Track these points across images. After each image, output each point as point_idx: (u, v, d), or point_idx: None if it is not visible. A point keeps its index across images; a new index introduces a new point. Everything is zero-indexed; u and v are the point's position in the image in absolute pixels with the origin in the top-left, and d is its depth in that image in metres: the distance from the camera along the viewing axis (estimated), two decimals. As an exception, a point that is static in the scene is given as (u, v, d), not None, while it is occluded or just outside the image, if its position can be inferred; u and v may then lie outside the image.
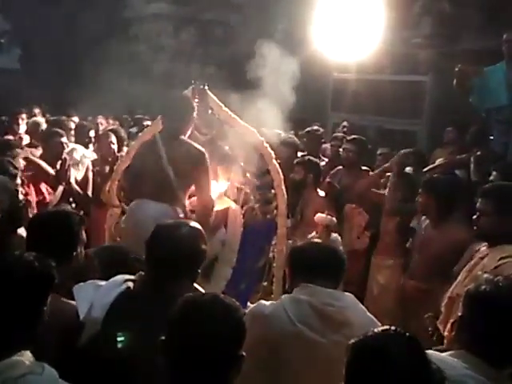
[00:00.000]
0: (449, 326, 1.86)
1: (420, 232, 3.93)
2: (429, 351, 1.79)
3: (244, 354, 1.54)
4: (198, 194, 3.49)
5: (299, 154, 5.19)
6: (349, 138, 5.20)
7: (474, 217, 2.79)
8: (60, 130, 4.86)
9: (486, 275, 1.87)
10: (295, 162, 4.65)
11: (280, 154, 4.89)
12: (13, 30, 12.43)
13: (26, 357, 1.66)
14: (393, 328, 1.49)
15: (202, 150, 3.45)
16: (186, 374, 1.49)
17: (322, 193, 4.50)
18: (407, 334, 1.48)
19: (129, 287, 2.01)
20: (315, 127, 6.19)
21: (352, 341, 1.47)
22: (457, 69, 5.25)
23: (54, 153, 4.66)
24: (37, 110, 7.99)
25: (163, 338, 1.52)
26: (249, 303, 2.90)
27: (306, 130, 6.10)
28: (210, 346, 1.47)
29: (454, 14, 6.86)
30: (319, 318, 2.09)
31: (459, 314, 1.82)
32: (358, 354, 1.44)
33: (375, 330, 1.49)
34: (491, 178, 3.92)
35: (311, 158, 4.69)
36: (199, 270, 2.11)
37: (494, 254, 2.68)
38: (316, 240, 2.46)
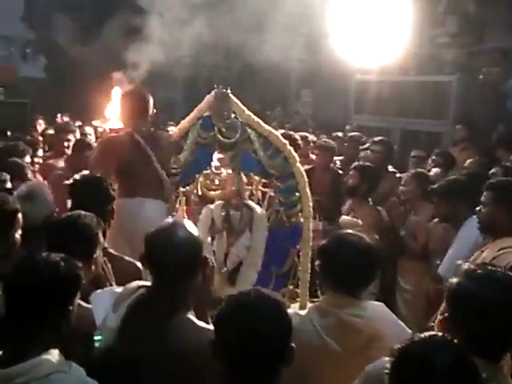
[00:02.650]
0: (437, 322, 1.79)
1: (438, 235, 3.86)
2: None
3: (294, 345, 1.56)
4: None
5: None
6: (375, 139, 5.16)
7: (477, 209, 2.83)
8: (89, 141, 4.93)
9: (465, 266, 1.77)
10: (353, 165, 4.52)
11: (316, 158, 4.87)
12: (38, 40, 12.66)
13: (54, 355, 1.67)
14: (440, 334, 1.45)
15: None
16: (242, 371, 1.52)
17: (371, 203, 4.25)
18: (454, 340, 1.42)
19: (142, 294, 1.99)
20: (357, 133, 6.20)
21: (395, 347, 1.42)
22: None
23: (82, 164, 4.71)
24: (65, 119, 8.13)
25: (213, 339, 1.55)
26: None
27: (350, 134, 6.12)
28: (262, 342, 1.50)
29: (480, 13, 6.75)
30: (347, 331, 2.03)
31: (444, 312, 1.76)
32: (402, 361, 1.39)
33: (420, 336, 1.44)
34: None
35: (370, 165, 4.49)
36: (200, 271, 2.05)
37: (494, 246, 2.72)
38: (347, 233, 2.24)
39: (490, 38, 6.73)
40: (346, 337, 2.02)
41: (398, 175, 4.88)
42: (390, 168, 5.00)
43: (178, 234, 1.98)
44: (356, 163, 4.66)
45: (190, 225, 2.07)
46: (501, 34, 6.61)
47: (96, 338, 1.97)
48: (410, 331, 2.05)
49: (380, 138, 5.16)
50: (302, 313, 2.16)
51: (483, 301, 1.65)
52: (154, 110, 3.89)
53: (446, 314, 1.74)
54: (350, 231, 2.26)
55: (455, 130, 5.91)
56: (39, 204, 3.06)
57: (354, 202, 4.23)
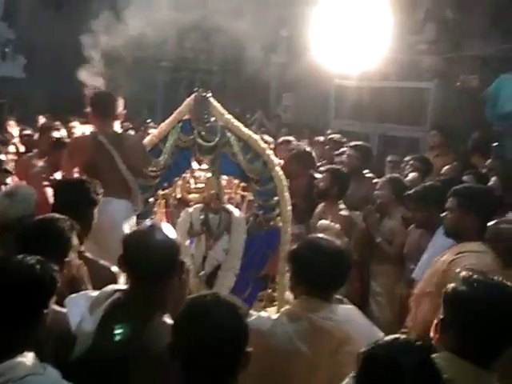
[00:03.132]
0: (433, 327, 1.84)
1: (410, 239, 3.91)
2: None
3: (250, 349, 1.56)
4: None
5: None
6: (351, 144, 5.18)
7: (442, 214, 2.88)
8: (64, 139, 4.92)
9: (462, 274, 1.83)
10: (324, 168, 4.54)
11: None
12: (17, 39, 12.50)
13: (29, 358, 1.67)
14: (402, 337, 1.48)
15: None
16: (196, 375, 1.52)
17: (342, 206, 4.24)
18: (417, 342, 1.46)
19: (119, 298, 1.98)
20: (337, 135, 6.20)
21: (361, 350, 1.45)
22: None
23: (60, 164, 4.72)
24: (42, 120, 8.03)
25: (170, 342, 1.54)
26: (252, 311, 2.86)
27: (330, 136, 6.13)
28: (216, 346, 1.49)
29: (458, 21, 6.86)
30: (319, 335, 2.03)
31: (440, 316, 1.80)
32: (368, 363, 1.42)
33: (385, 339, 1.47)
34: (490, 183, 3.93)
35: (341, 168, 4.50)
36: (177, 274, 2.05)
37: (453, 250, 2.77)
38: (317, 237, 2.25)
39: (468, 46, 6.84)
40: (318, 341, 2.03)
41: (374, 180, 4.90)
42: (368, 173, 5.02)
43: (156, 236, 1.98)
44: (328, 166, 4.69)
45: (168, 228, 2.07)
46: (478, 42, 6.73)
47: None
48: (381, 334, 2.07)
49: (356, 143, 5.17)
50: (275, 317, 2.16)
51: (477, 304, 1.69)
52: (123, 111, 3.92)
53: (441, 317, 1.78)
54: (320, 235, 2.26)
55: (430, 135, 5.99)
56: (18, 202, 3.04)
57: (326, 206, 4.25)
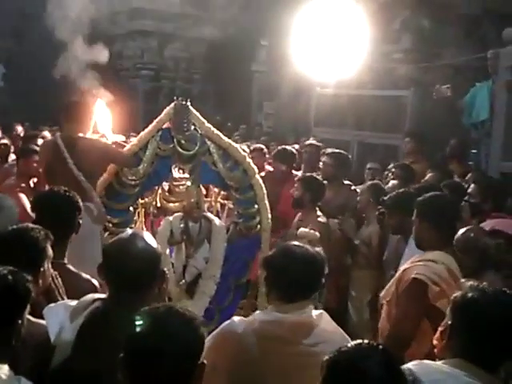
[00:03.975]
0: (438, 334, 1.88)
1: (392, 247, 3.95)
2: (424, 361, 1.81)
3: (205, 361, 1.53)
4: (116, 164, 3.82)
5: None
6: (327, 151, 5.19)
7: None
8: (35, 147, 4.90)
9: (470, 283, 1.89)
10: (296, 178, 4.54)
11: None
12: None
13: (3, 371, 1.65)
14: (365, 341, 1.48)
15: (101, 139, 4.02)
16: None
17: (319, 213, 4.23)
18: (380, 346, 1.48)
19: (98, 307, 1.97)
20: (314, 141, 6.19)
21: (325, 357, 1.46)
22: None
23: (31, 169, 4.79)
24: (19, 128, 7.97)
25: (121, 354, 1.50)
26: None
27: (307, 142, 6.12)
28: (167, 359, 1.46)
29: (434, 30, 6.99)
30: (293, 331, 2.04)
31: (448, 322, 1.83)
32: (332, 371, 1.43)
33: (348, 345, 1.48)
34: (469, 190, 3.99)
35: (313, 175, 4.50)
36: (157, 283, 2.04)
37: (413, 259, 2.80)
38: (292, 244, 2.23)
39: (442, 55, 6.97)
40: (293, 336, 2.03)
41: (352, 187, 4.95)
42: (346, 181, 5.05)
43: (137, 245, 1.97)
44: (300, 175, 4.72)
45: (149, 237, 2.07)
46: (453, 51, 6.87)
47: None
48: (349, 339, 2.08)
49: (332, 150, 5.19)
50: (248, 319, 2.15)
51: (486, 308, 1.73)
52: (93, 117, 4.00)
53: (450, 322, 1.81)
54: (295, 242, 2.26)
55: (404, 142, 6.02)
56: (5, 215, 3.00)
57: (303, 214, 4.26)
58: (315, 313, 2.12)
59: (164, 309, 1.55)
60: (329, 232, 4.19)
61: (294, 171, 5.26)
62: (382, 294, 2.87)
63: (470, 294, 1.79)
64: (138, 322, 1.52)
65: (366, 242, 4.23)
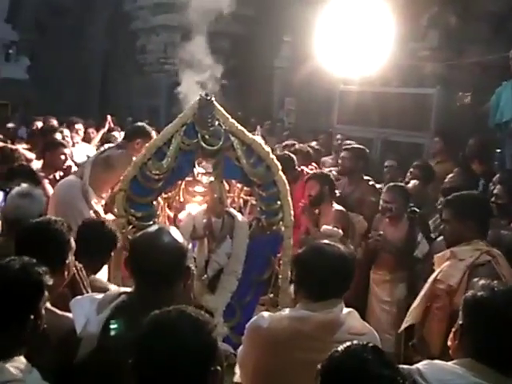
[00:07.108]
0: (451, 335, 1.85)
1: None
2: (435, 361, 1.79)
3: (219, 368, 1.48)
4: None
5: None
6: (346, 146, 5.27)
7: (441, 227, 2.91)
8: (63, 141, 4.99)
9: (481, 282, 1.86)
10: (306, 177, 4.61)
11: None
12: (21, 41, 12.53)
13: (19, 362, 1.65)
14: (355, 342, 1.46)
15: None
16: None
17: (337, 206, 4.43)
18: (369, 344, 1.45)
19: (124, 301, 1.97)
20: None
21: (319, 365, 1.43)
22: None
23: (57, 162, 4.93)
24: (54, 121, 8.09)
25: (132, 359, 1.46)
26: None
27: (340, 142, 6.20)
28: (179, 364, 1.42)
29: (461, 27, 6.88)
30: (319, 328, 2.03)
31: (459, 322, 1.81)
32: (327, 378, 1.40)
33: (339, 349, 1.44)
34: (495, 191, 3.93)
35: (323, 171, 4.67)
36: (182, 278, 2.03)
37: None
38: (322, 243, 2.21)
39: (470, 53, 6.86)
40: (320, 332, 2.02)
41: (371, 183, 4.98)
42: (366, 176, 5.08)
43: (164, 240, 1.97)
44: (308, 174, 4.80)
45: (175, 232, 2.06)
46: (481, 49, 6.75)
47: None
48: (377, 336, 2.07)
49: (350, 145, 5.29)
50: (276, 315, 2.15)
51: (498, 307, 1.71)
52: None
53: (461, 322, 1.79)
54: (325, 241, 2.25)
55: (433, 142, 6.01)
56: (37, 202, 3.05)
57: (322, 208, 4.37)
58: (344, 311, 2.10)
59: (176, 313, 1.51)
60: (347, 220, 4.21)
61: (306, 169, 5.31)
62: (440, 276, 2.82)
63: (480, 294, 1.76)
64: (148, 328, 1.48)
65: (397, 244, 4.18)
